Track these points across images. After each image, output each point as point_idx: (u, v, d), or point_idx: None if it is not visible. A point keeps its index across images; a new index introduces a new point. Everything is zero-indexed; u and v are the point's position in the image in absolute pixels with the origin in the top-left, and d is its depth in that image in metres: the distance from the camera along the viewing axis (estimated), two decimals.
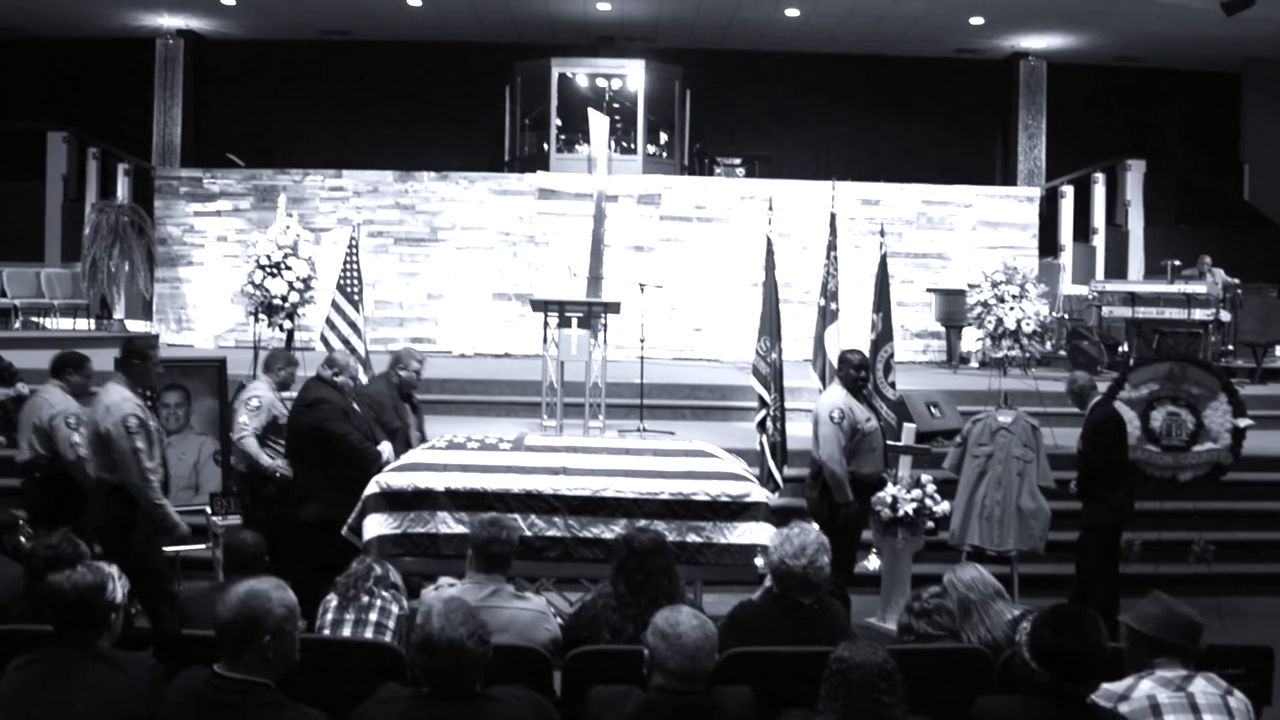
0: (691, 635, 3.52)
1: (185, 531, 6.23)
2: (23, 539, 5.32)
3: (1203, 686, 3.61)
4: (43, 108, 17.91)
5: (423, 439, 8.08)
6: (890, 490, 7.46)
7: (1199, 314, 12.97)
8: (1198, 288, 13.20)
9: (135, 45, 18.06)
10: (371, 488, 6.62)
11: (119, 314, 16.21)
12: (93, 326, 15.95)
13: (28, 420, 7.12)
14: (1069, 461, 9.21)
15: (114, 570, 3.85)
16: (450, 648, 3.40)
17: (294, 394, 7.52)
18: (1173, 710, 3.55)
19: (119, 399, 6.05)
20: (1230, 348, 13.72)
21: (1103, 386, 8.51)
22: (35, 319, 15.82)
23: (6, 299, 15.52)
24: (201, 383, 8.28)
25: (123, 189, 17.07)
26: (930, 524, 7.54)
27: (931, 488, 7.51)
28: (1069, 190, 17.63)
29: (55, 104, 18.05)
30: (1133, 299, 13.51)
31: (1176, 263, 14.23)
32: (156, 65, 17.88)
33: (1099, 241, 17.56)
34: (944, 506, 7.50)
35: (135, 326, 16.02)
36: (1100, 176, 17.70)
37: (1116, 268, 17.25)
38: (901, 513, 7.40)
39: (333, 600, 4.79)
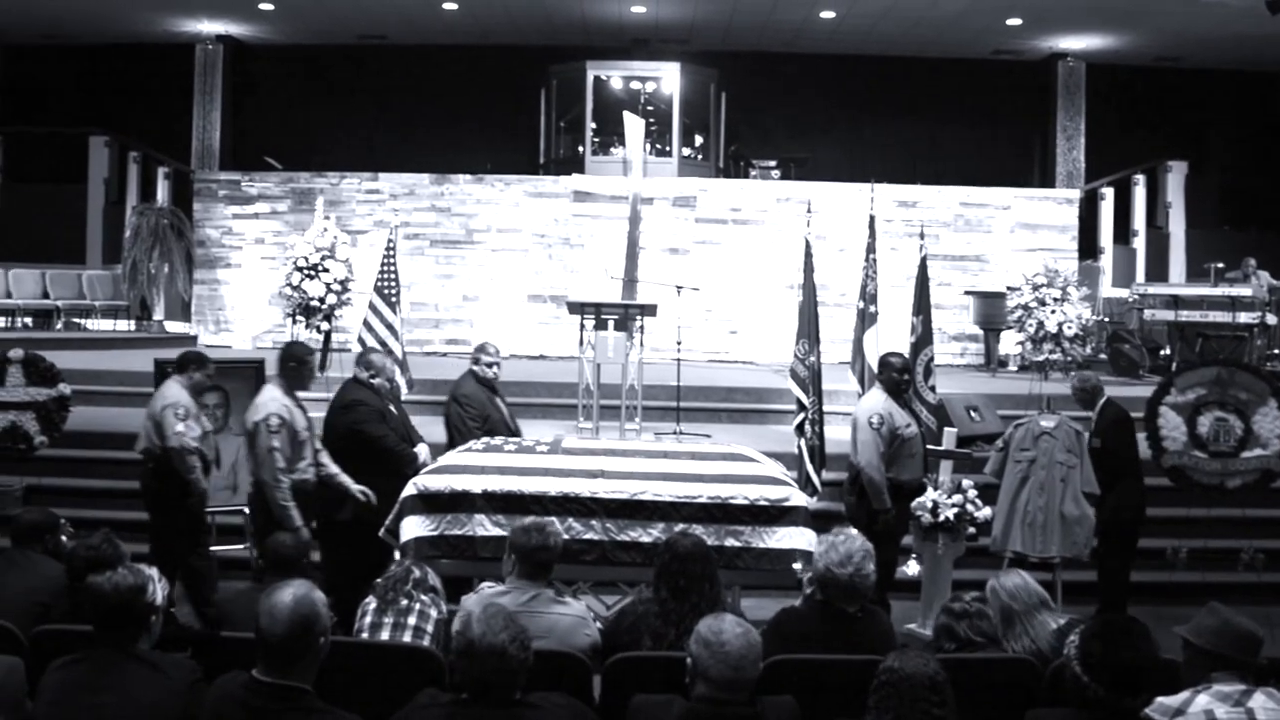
0: (736, 644, 3.46)
1: (306, 537, 6.37)
2: (64, 539, 5.33)
3: (1263, 702, 3.52)
4: (84, 112, 18.06)
5: (516, 431, 8.31)
6: (931, 495, 7.37)
7: (1244, 317, 12.80)
8: (1242, 290, 13.04)
9: (175, 51, 18.18)
10: (409, 490, 6.61)
11: (159, 315, 16.34)
12: (133, 327, 16.10)
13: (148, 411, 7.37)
14: None
15: (154, 572, 3.84)
16: (491, 653, 3.37)
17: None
18: None
19: (268, 399, 6.50)
20: (1277, 351, 13.54)
21: (1146, 391, 8.41)
22: (77, 320, 15.96)
23: (49, 300, 15.69)
24: (240, 384, 8.32)
25: (162, 192, 17.19)
26: (971, 530, 7.44)
27: (973, 493, 7.42)
28: (1109, 192, 17.44)
29: (97, 109, 18.19)
30: (1175, 302, 13.36)
31: (1220, 265, 14.06)
32: (196, 70, 17.99)
33: (1139, 244, 17.37)
34: (985, 512, 7.41)
35: (175, 328, 16.15)
36: (1140, 178, 17.51)
37: (1157, 270, 17.05)
38: (942, 518, 7.31)
39: (371, 603, 4.78)
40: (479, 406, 8.09)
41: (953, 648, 4.38)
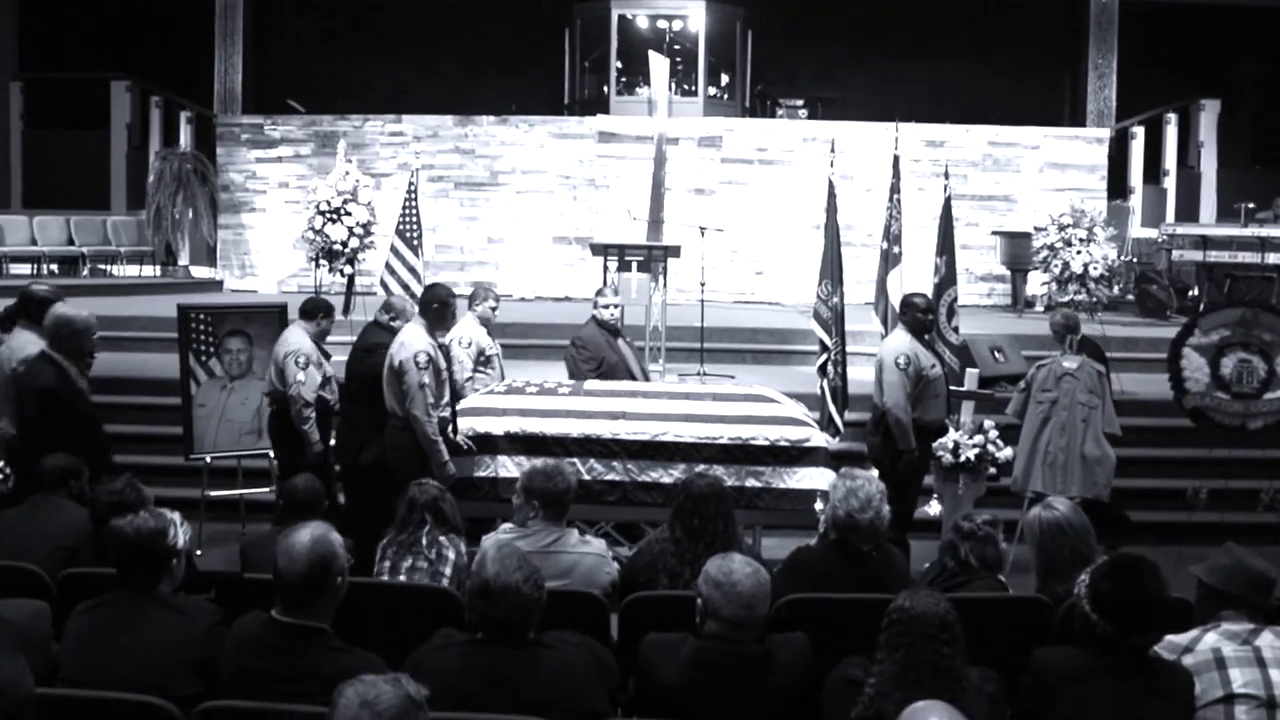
0: (745, 584, 3.49)
1: (452, 472, 6.54)
2: (88, 484, 5.39)
3: (1270, 640, 3.53)
4: (105, 57, 18.02)
5: (641, 374, 8.40)
6: (952, 436, 7.37)
7: (1273, 258, 12.63)
8: (1272, 231, 12.85)
9: None
10: None
11: (184, 260, 16.39)
12: (158, 273, 16.16)
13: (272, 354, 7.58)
14: (1135, 408, 9.11)
15: (176, 516, 3.89)
16: (506, 593, 3.41)
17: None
18: (1238, 664, 3.48)
19: (414, 338, 6.56)
20: None
21: (1171, 332, 8.35)
22: (102, 266, 16.04)
23: (74, 247, 15.73)
24: (263, 328, 8.34)
25: (185, 136, 17.18)
26: (992, 470, 7.44)
27: (994, 433, 7.41)
28: (1139, 131, 17.17)
29: (117, 53, 18.13)
30: (1204, 242, 13.20)
31: (1250, 205, 13.85)
32: (217, 13, 17.85)
33: (1170, 184, 17.12)
34: (1006, 452, 7.40)
35: (200, 273, 16.20)
36: (1172, 117, 17.23)
37: (1188, 211, 16.82)
38: (963, 458, 7.31)
39: (390, 544, 4.83)
40: (594, 349, 8.15)
41: (952, 565, 4.39)
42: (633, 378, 8.22)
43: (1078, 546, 4.26)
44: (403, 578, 4.67)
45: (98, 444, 6.24)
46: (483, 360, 7.86)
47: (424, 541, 4.76)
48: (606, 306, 8.29)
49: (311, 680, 3.25)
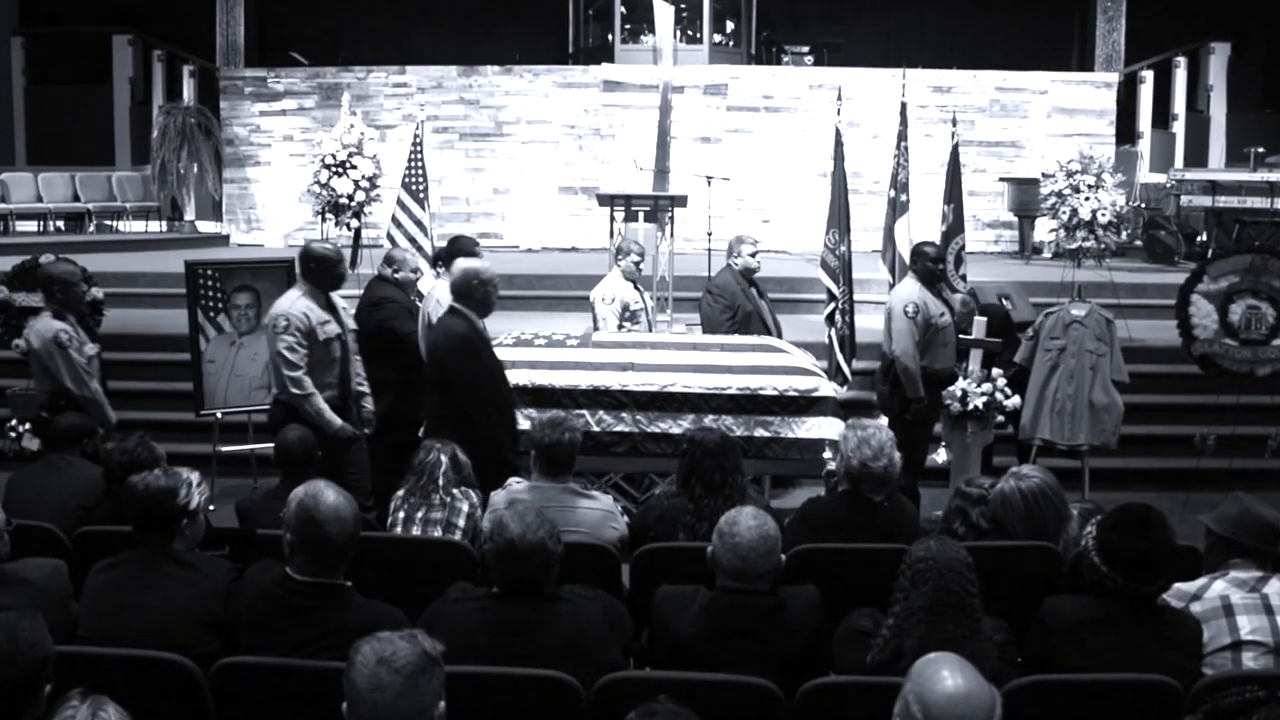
0: (747, 536, 3.50)
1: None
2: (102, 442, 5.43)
3: (1278, 588, 3.57)
4: (106, 11, 17.88)
5: (775, 326, 8.27)
6: (960, 384, 7.38)
7: None
8: None
9: None
10: None
11: (189, 215, 16.37)
12: (164, 228, 16.14)
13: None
14: (1143, 355, 9.11)
15: (194, 476, 3.90)
16: (534, 552, 3.42)
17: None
18: (1245, 611, 3.51)
19: (447, 294, 6.39)
20: None
21: (1180, 278, 8.33)
22: (108, 222, 16.02)
23: (80, 203, 15.70)
24: (270, 283, 8.34)
25: (188, 90, 17.09)
26: (1000, 418, 7.46)
27: (1001, 382, 7.42)
28: (1149, 75, 17.00)
29: (118, 6, 18.00)
30: (1213, 187, 13.14)
31: (1260, 150, 13.75)
32: None
33: (1179, 128, 16.98)
34: (1014, 401, 7.41)
35: (206, 227, 16.19)
36: (1182, 60, 17.05)
37: (1197, 156, 16.70)
38: (971, 406, 7.32)
39: (403, 498, 4.86)
40: (729, 298, 8.06)
41: (962, 531, 4.39)
42: (767, 329, 8.13)
43: (1059, 507, 4.30)
44: (416, 530, 4.70)
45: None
46: (628, 315, 7.88)
47: (438, 494, 4.79)
48: (753, 254, 8.17)
49: (336, 634, 3.27)
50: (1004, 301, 9.63)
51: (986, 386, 7.37)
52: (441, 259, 7.25)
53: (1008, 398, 7.36)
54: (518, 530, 3.43)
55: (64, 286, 6.46)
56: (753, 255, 8.17)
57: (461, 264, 6.16)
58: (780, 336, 8.18)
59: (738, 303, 8.06)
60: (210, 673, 3.24)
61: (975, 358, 7.62)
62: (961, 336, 7.66)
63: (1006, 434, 7.82)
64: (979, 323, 7.75)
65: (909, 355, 7.25)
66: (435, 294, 6.74)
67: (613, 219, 9.77)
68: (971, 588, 3.31)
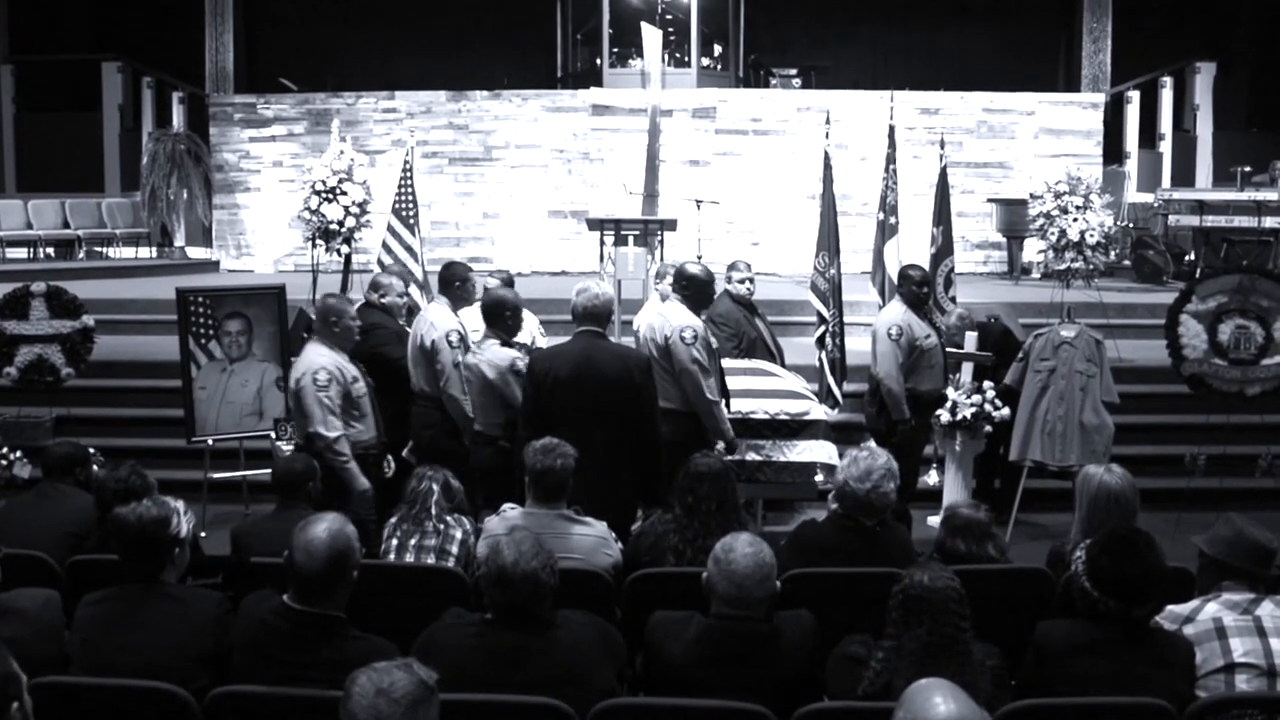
0: (743, 563, 3.51)
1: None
2: (95, 468, 5.42)
3: (1270, 610, 3.58)
4: (95, 38, 17.94)
5: (777, 349, 8.20)
6: (950, 395, 7.40)
7: (1270, 222, 12.63)
8: (1269, 195, 12.83)
9: None
10: None
11: (179, 241, 16.35)
12: (154, 255, 16.11)
13: None
14: (1133, 375, 9.13)
15: (180, 505, 3.88)
16: (525, 580, 3.43)
17: None
18: (1238, 633, 3.52)
19: (442, 317, 6.61)
20: None
21: (1169, 297, 8.36)
22: (98, 249, 16.00)
23: (70, 230, 15.66)
24: (262, 310, 8.35)
25: (178, 117, 17.11)
26: (988, 428, 7.46)
27: (991, 393, 7.44)
28: (1135, 95, 17.11)
29: (108, 34, 18.05)
30: (1200, 207, 13.19)
31: (1247, 169, 13.81)
32: None
33: (1166, 148, 17.08)
34: (1004, 412, 7.43)
35: (196, 253, 16.17)
36: (1168, 80, 17.15)
37: (1184, 175, 16.79)
38: (960, 416, 7.35)
39: (395, 525, 4.85)
40: (733, 325, 7.94)
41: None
42: (770, 354, 8.07)
43: (1125, 518, 4.26)
44: (410, 556, 4.69)
45: None
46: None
47: (431, 521, 4.79)
48: (743, 281, 8.09)
49: (328, 667, 3.27)
50: (993, 322, 9.68)
51: (976, 397, 7.39)
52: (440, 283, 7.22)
53: (997, 409, 7.39)
54: (511, 557, 3.44)
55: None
56: (742, 283, 8.08)
57: (584, 292, 6.40)
58: (783, 360, 8.16)
59: (741, 329, 7.98)
60: (205, 702, 3.23)
61: (967, 369, 7.65)
62: (951, 350, 7.68)
63: None
64: (970, 337, 7.77)
65: (893, 378, 7.28)
66: (429, 316, 6.73)
67: (602, 243, 9.79)
68: (964, 623, 3.33)
